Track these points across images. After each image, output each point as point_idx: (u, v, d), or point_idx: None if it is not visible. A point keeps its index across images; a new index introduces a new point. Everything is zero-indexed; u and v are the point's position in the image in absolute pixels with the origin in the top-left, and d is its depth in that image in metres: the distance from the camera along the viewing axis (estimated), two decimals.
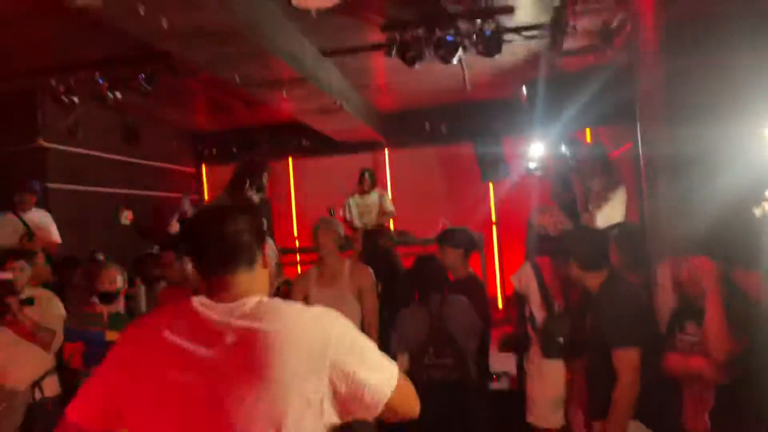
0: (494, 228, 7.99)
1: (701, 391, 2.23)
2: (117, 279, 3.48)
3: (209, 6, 3.54)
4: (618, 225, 4.31)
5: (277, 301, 1.39)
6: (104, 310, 3.47)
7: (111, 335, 3.37)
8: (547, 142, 6.47)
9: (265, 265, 1.47)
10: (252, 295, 1.38)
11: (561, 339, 2.83)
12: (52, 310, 3.66)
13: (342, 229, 3.67)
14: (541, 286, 3.00)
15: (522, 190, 7.31)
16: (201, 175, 9.00)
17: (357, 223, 6.99)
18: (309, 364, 1.29)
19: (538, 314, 3.02)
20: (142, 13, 3.32)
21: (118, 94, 5.53)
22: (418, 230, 7.42)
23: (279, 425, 1.26)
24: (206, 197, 8.96)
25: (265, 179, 4.08)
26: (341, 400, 1.33)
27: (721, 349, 2.12)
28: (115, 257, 5.38)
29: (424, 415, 2.50)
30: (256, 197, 3.93)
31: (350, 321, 1.43)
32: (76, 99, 5.64)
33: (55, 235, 5.65)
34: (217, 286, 1.39)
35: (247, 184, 3.92)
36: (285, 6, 4.30)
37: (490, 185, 8.20)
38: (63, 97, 5.52)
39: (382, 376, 1.39)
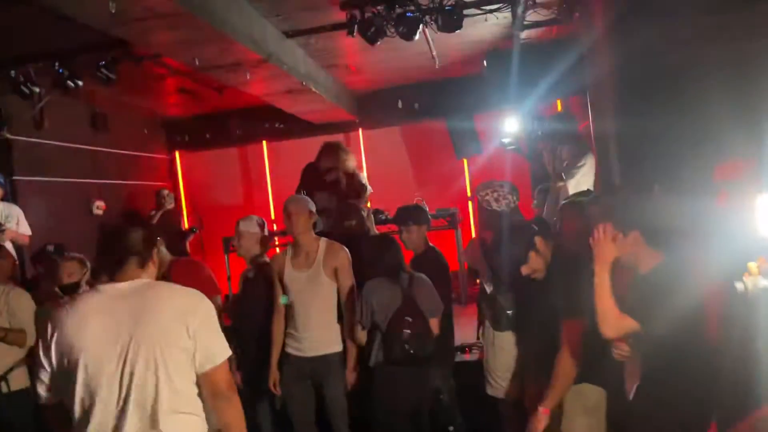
0: (470, 204, 8.01)
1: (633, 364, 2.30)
2: (75, 271, 3.49)
3: None
4: (585, 192, 4.38)
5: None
6: None
7: None
8: (519, 116, 6.49)
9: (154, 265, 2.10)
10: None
11: (510, 312, 2.86)
12: (21, 305, 3.66)
13: (314, 208, 3.66)
14: (488, 260, 3.04)
15: (496, 165, 7.33)
16: (174, 161, 8.93)
17: None
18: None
19: (488, 287, 3.06)
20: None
21: (80, 83, 5.47)
22: (393, 209, 7.42)
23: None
24: (181, 184, 8.92)
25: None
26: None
27: (608, 327, 2.22)
28: (87, 248, 5.38)
29: (398, 386, 2.59)
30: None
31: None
32: (37, 89, 5.57)
33: (25, 228, 5.62)
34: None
35: None
36: None
37: (464, 161, 8.21)
38: (23, 88, 5.45)
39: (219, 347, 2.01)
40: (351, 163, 6.28)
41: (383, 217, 7.07)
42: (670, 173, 3.72)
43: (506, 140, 6.75)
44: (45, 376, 1.94)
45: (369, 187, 7.30)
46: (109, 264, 2.01)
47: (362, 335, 3.21)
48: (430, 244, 3.87)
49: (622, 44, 4.09)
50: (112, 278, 1.98)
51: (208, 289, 3.51)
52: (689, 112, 4.06)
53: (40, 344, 1.94)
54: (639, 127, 3.94)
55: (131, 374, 1.86)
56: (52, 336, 1.90)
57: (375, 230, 4.54)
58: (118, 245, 2.01)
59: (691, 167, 3.72)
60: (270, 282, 3.56)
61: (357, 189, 6.11)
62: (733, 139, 3.64)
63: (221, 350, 2.00)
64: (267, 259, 3.78)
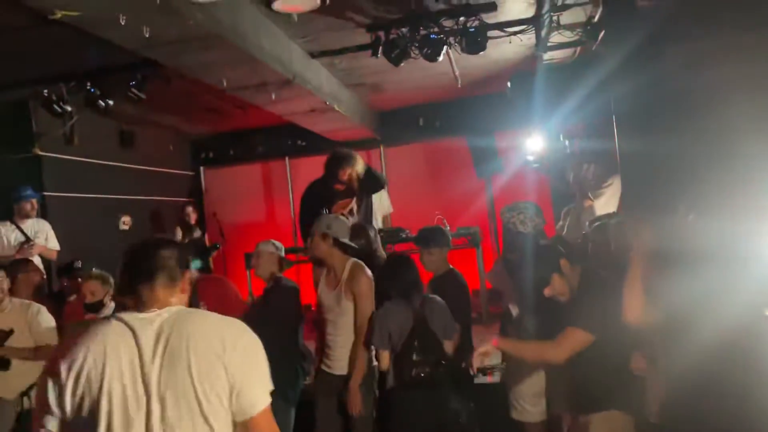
0: (490, 222, 8.00)
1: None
2: (98, 290, 3.57)
3: (191, 14, 3.58)
4: (612, 215, 4.36)
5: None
6: (93, 317, 3.55)
7: None
8: (544, 135, 6.51)
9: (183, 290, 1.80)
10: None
11: (535, 335, 2.86)
12: (41, 324, 3.74)
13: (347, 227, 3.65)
14: (514, 282, 3.04)
15: (517, 184, 7.33)
16: (199, 178, 9.07)
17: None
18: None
19: (513, 310, 3.05)
20: (123, 23, 3.37)
21: (111, 102, 5.61)
22: (414, 227, 7.44)
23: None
24: (204, 200, 9.04)
25: None
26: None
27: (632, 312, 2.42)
28: (114, 263, 5.48)
29: (412, 410, 2.56)
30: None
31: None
32: (69, 108, 5.72)
33: (53, 243, 5.74)
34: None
35: None
36: (269, 11, 4.35)
37: (486, 180, 8.22)
38: (56, 107, 5.60)
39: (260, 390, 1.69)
40: (361, 163, 5.82)
41: (404, 236, 7.09)
42: (696, 195, 3.70)
43: (530, 158, 6.77)
44: (52, 425, 1.60)
45: (390, 207, 7.32)
46: (134, 286, 1.71)
47: (383, 356, 3.20)
48: (450, 265, 3.86)
49: (647, 65, 4.09)
50: (138, 304, 1.70)
51: (237, 308, 3.57)
52: (714, 133, 4.05)
53: (49, 386, 1.61)
54: (664, 147, 3.93)
55: (163, 423, 1.59)
56: (67, 378, 1.59)
57: (382, 250, 4.50)
58: (144, 264, 1.73)
59: (717, 189, 3.71)
60: (288, 293, 3.61)
61: (375, 182, 5.62)
62: (759, 160, 3.63)
63: (262, 396, 1.68)
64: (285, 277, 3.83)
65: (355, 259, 3.49)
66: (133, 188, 7.58)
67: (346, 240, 3.46)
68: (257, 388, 1.68)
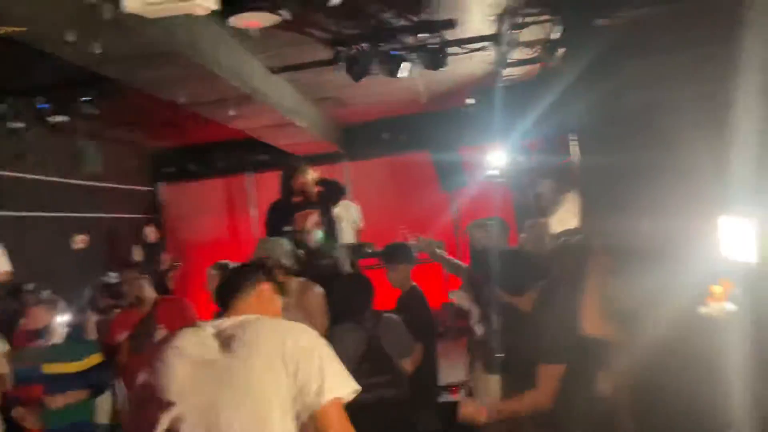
0: (456, 236, 8.01)
1: None
2: (41, 316, 3.42)
3: (144, 30, 3.48)
4: (571, 231, 4.39)
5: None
6: (41, 343, 3.40)
7: (48, 367, 3.32)
8: (506, 149, 6.55)
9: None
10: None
11: (500, 354, 2.84)
12: None
13: (288, 247, 3.62)
14: (479, 301, 3.02)
15: (482, 197, 7.35)
16: (158, 194, 8.86)
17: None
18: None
19: (478, 329, 3.03)
20: (71, 40, 3.25)
21: (63, 118, 5.43)
22: (379, 241, 7.40)
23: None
24: (163, 217, 8.83)
25: None
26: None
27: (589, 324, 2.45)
28: (68, 284, 5.27)
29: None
30: None
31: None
32: (20, 124, 5.52)
33: (4, 264, 5.50)
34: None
35: None
36: (228, 26, 4.26)
37: (450, 193, 8.24)
38: (6, 123, 5.39)
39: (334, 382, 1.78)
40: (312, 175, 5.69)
41: (369, 251, 7.04)
42: (648, 203, 3.77)
43: (493, 173, 6.80)
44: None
45: (361, 221, 7.29)
46: (223, 301, 2.03)
47: None
48: (413, 282, 3.84)
49: (604, 81, 4.16)
50: (225, 314, 1.99)
51: None
52: (670, 147, 4.13)
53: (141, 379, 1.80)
54: (622, 161, 3.98)
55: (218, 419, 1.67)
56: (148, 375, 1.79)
57: (349, 268, 4.46)
58: (225, 284, 2.08)
59: (667, 196, 3.78)
60: None
61: (334, 190, 5.57)
62: (707, 175, 3.71)
63: (330, 389, 1.75)
64: None
65: (302, 279, 3.41)
66: (89, 206, 7.34)
67: (285, 261, 3.39)
68: (319, 381, 1.74)
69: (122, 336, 3.84)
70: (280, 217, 5.12)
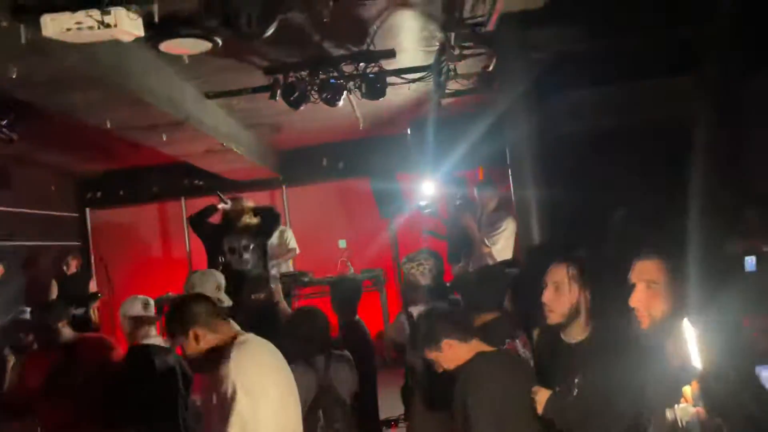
0: (394, 264, 7.99)
1: None
2: None
3: (65, 55, 3.29)
4: (509, 262, 4.43)
5: None
6: None
7: None
8: (439, 180, 6.57)
9: None
10: None
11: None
12: None
13: (220, 281, 3.51)
14: (413, 337, 2.96)
15: (419, 225, 7.36)
16: (85, 220, 8.43)
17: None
18: None
19: (416, 364, 2.96)
20: None
21: None
22: (318, 269, 7.28)
23: None
24: (91, 244, 8.40)
25: None
26: None
27: None
28: None
29: None
30: None
31: None
32: None
33: None
34: None
35: None
36: (159, 51, 4.11)
37: (389, 219, 8.22)
38: None
39: None
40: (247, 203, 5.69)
41: (307, 279, 6.91)
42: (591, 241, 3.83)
43: (423, 203, 6.79)
44: None
45: (296, 248, 7.15)
46: None
47: None
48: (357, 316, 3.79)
49: (538, 112, 4.25)
50: None
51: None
52: (606, 179, 4.25)
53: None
54: (558, 193, 4.06)
55: None
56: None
57: (284, 303, 4.32)
58: None
59: (611, 237, 3.86)
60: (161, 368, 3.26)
61: (272, 221, 5.63)
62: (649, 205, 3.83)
63: None
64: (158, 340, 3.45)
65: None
66: (8, 233, 6.89)
67: (212, 294, 3.21)
68: None
69: (37, 381, 3.54)
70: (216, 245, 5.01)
